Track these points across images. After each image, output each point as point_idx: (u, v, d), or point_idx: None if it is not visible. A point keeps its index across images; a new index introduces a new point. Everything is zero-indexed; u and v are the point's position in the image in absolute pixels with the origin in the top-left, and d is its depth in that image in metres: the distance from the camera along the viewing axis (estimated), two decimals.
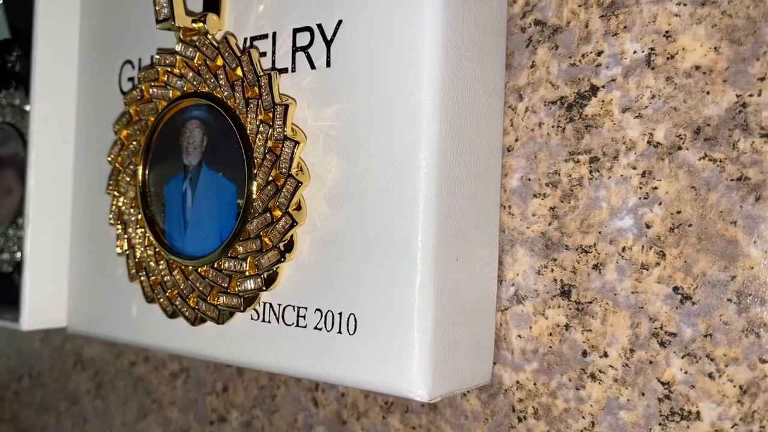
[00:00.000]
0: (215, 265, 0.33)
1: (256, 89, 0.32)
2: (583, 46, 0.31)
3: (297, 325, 0.32)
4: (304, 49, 0.32)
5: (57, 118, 0.42)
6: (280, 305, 0.32)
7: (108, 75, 0.41)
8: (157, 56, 0.35)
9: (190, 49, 0.34)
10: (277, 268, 0.31)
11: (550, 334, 0.32)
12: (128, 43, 0.40)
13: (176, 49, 0.34)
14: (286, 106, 0.30)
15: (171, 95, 0.35)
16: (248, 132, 0.32)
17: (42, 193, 0.42)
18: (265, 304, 0.33)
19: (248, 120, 0.32)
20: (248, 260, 0.32)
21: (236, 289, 0.32)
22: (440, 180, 0.28)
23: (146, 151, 0.36)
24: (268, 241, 0.31)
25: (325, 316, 0.31)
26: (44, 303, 0.42)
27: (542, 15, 0.33)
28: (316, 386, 0.40)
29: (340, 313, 0.30)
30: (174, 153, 0.35)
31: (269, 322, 0.33)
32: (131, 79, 0.40)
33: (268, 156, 0.31)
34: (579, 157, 0.31)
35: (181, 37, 0.34)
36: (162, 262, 0.35)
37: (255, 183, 0.31)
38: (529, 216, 0.33)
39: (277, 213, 0.31)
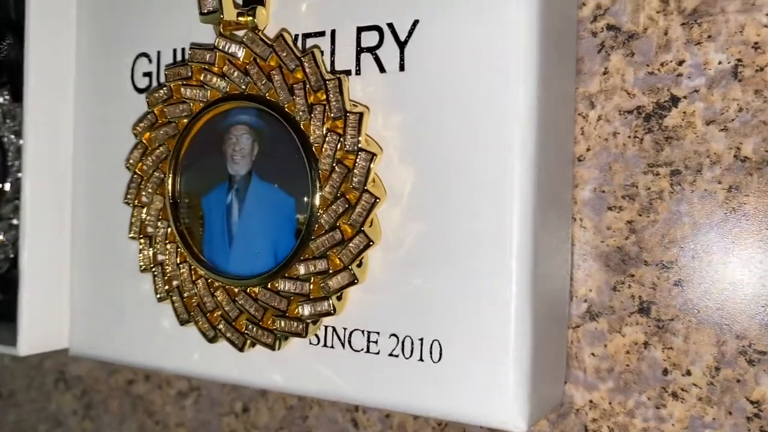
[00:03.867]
0: (269, 286, 0.30)
1: (321, 94, 0.29)
2: (662, 54, 0.30)
3: (368, 351, 0.29)
4: (372, 50, 0.29)
5: (53, 116, 0.37)
6: (345, 329, 0.30)
7: (115, 69, 0.36)
8: (191, 51, 0.31)
9: (234, 46, 0.30)
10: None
11: (627, 352, 0.31)
12: (142, 33, 0.36)
13: (217, 45, 0.31)
14: (360, 115, 0.28)
15: (209, 96, 0.31)
16: (312, 141, 0.29)
17: (38, 201, 0.37)
18: (327, 327, 0.30)
19: (312, 128, 0.29)
20: (311, 281, 0.29)
21: (297, 312, 0.29)
22: (534, 193, 0.27)
23: (176, 157, 0.32)
24: (337, 262, 0.28)
25: (403, 342, 0.28)
26: (43, 323, 0.37)
27: (616, 20, 0.31)
28: (356, 406, 0.38)
29: (421, 339, 0.28)
30: (214, 161, 0.32)
31: (332, 347, 0.30)
32: (148, 74, 0.35)
33: (337, 168, 0.28)
34: (659, 170, 0.30)
35: (221, 31, 0.31)
36: (200, 281, 0.32)
37: (319, 197, 0.28)
38: (603, 229, 0.31)
39: (348, 230, 0.28)
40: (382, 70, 0.29)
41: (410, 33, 0.28)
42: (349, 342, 0.30)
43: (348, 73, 0.30)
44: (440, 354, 0.28)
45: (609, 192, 0.31)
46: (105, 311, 0.37)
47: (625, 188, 0.31)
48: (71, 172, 0.38)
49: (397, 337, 0.28)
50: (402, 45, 0.28)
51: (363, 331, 0.29)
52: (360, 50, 0.29)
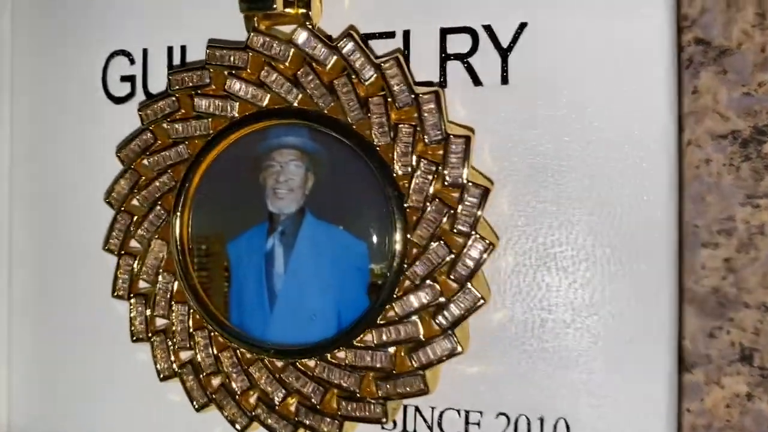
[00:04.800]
0: (330, 358, 0.23)
1: (408, 111, 0.22)
2: (760, 73, 0.27)
3: None
4: (463, 57, 0.23)
5: None
6: (433, 409, 0.24)
7: (75, 71, 0.27)
8: (211, 51, 0.24)
9: (279, 45, 0.23)
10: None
11: (728, 406, 0.27)
12: (117, 24, 0.27)
13: (251, 44, 0.23)
14: (467, 139, 0.22)
15: (237, 110, 0.24)
16: (395, 170, 0.22)
17: None
18: (407, 407, 0.24)
19: (396, 154, 0.22)
20: (394, 351, 0.23)
21: (374, 392, 0.23)
22: (676, 229, 0.22)
23: (187, 189, 0.24)
24: (433, 326, 0.22)
25: (516, 424, 0.23)
26: None
27: (705, 33, 0.28)
28: None
29: (541, 419, 0.23)
30: (246, 195, 0.24)
31: None
32: (128, 78, 0.27)
33: (432, 206, 0.22)
34: (759, 201, 0.27)
35: (256, 25, 0.24)
36: (226, 353, 0.24)
37: (406, 242, 0.22)
38: (697, 269, 0.28)
39: (448, 285, 0.22)
40: (477, 82, 0.23)
41: (515, 38, 0.23)
42: (440, 426, 0.23)
43: (427, 84, 0.24)
44: None
45: (703, 227, 0.28)
46: (66, 390, 0.27)
47: (721, 222, 0.28)
48: (7, 206, 0.28)
49: (508, 418, 0.23)
50: (505, 53, 0.23)
51: (459, 411, 0.23)
52: (446, 57, 0.23)
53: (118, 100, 0.27)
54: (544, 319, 0.23)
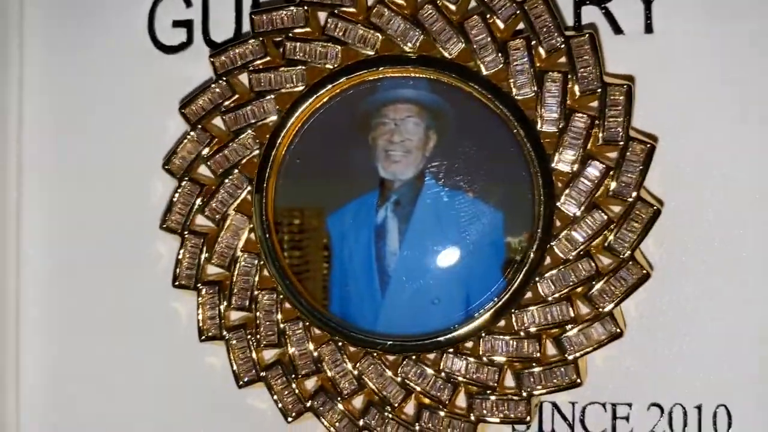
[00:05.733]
0: (461, 349, 0.20)
1: (555, 57, 0.19)
2: None
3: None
4: (600, 2, 0.20)
5: None
6: (574, 404, 0.20)
7: (111, 14, 0.22)
8: None
9: None
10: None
11: None
12: None
13: None
14: (629, 88, 0.19)
15: (338, 58, 0.20)
16: (539, 127, 0.19)
17: None
18: (542, 404, 0.20)
19: (542, 107, 0.19)
20: (540, 338, 0.19)
21: (512, 386, 0.19)
22: None
23: (273, 153, 0.20)
24: (587, 306, 0.19)
25: (670, 414, 0.20)
26: None
27: None
28: None
29: (699, 407, 0.20)
30: (351, 159, 0.20)
31: None
32: (183, 24, 0.22)
33: (585, 167, 0.19)
34: None
35: None
36: (327, 348, 0.20)
37: (552, 210, 0.19)
38: None
39: (605, 259, 0.19)
40: (617, 30, 0.20)
41: None
42: (582, 422, 0.20)
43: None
44: (728, 425, 0.20)
45: None
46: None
47: None
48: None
49: (661, 408, 0.20)
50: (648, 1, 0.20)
51: (604, 405, 0.20)
52: (580, 1, 0.21)
53: (169, 50, 0.22)
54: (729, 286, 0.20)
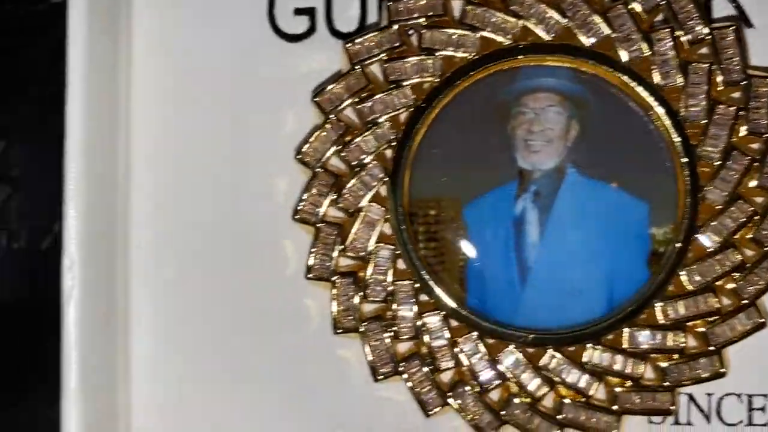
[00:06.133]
0: (604, 342, 0.19)
1: (696, 47, 0.19)
2: None
3: (749, 424, 0.20)
4: None
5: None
6: (711, 396, 0.20)
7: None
8: None
9: None
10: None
11: None
12: None
13: None
14: None
15: (477, 46, 0.20)
16: (684, 116, 0.19)
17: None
18: (679, 396, 0.20)
19: (686, 97, 0.19)
20: (683, 329, 0.19)
21: (655, 377, 0.19)
22: None
23: (410, 143, 0.20)
24: (733, 297, 0.19)
25: None
26: None
27: None
28: None
29: None
30: (489, 149, 0.20)
31: (689, 424, 0.20)
32: (306, 11, 0.22)
33: (730, 157, 0.19)
34: None
35: None
36: (466, 341, 0.20)
37: (695, 200, 0.19)
38: None
39: (753, 249, 0.19)
40: (747, 24, 0.20)
41: None
42: (718, 414, 0.20)
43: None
44: None
45: None
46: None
47: None
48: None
49: None
50: None
51: (740, 396, 0.20)
52: None
53: (292, 39, 0.22)
54: None
